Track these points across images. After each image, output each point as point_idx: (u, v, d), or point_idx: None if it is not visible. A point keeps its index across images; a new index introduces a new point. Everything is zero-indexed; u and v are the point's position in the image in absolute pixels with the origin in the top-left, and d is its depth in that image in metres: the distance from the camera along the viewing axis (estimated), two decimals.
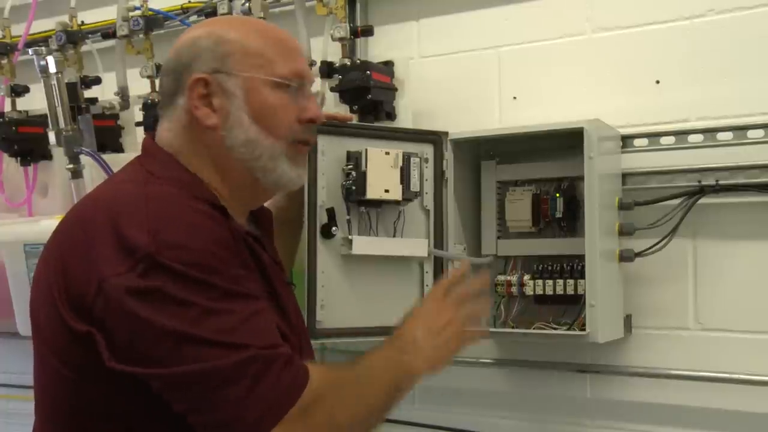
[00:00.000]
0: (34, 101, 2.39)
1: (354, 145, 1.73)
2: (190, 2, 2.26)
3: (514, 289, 1.84)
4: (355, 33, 2.02)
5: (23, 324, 2.16)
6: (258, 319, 1.14)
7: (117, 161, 2.08)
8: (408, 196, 1.77)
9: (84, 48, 2.39)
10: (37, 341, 1.24)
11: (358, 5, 2.10)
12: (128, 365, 1.10)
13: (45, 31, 2.45)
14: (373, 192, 1.71)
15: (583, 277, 1.71)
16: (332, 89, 1.99)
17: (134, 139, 2.39)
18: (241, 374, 1.08)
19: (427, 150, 1.83)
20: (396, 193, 1.74)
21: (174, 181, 1.23)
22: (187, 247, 1.11)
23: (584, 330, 1.67)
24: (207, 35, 1.28)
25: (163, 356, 1.08)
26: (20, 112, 2.42)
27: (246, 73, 1.26)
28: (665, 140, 1.80)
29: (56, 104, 2.13)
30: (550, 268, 1.81)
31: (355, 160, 1.72)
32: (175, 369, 1.08)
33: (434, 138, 1.84)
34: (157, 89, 2.22)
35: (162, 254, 1.09)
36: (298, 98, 1.30)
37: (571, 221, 1.81)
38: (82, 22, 2.40)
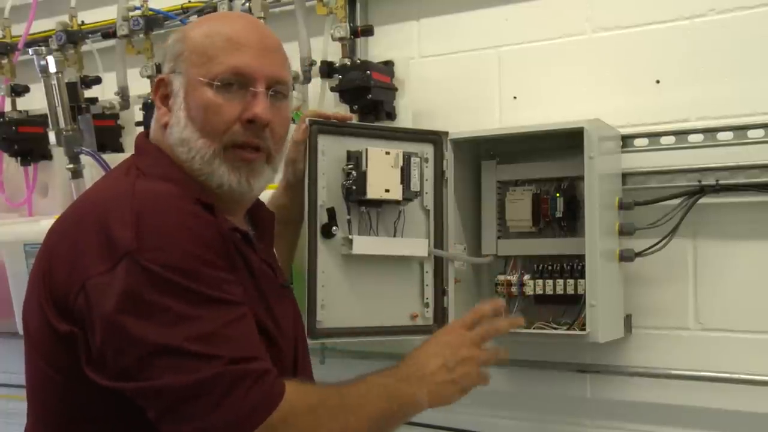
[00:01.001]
0: (34, 101, 2.39)
1: (354, 144, 1.73)
2: (190, 2, 2.26)
3: (514, 289, 1.84)
4: (355, 33, 2.02)
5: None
6: (237, 326, 1.11)
7: (117, 161, 2.05)
8: (408, 195, 1.77)
9: (84, 48, 2.39)
10: (27, 343, 1.24)
11: (358, 5, 2.10)
12: (99, 374, 1.09)
13: (45, 31, 2.45)
14: (373, 192, 1.71)
15: (583, 277, 1.71)
16: (332, 89, 1.99)
17: (134, 139, 2.39)
18: (208, 389, 1.06)
19: (428, 150, 1.83)
20: (396, 193, 1.74)
21: (162, 178, 1.22)
22: (169, 249, 1.09)
23: (584, 330, 1.67)
24: (174, 34, 1.31)
25: (133, 367, 1.07)
26: (20, 111, 2.43)
27: (187, 71, 1.27)
28: (665, 140, 1.80)
29: (56, 104, 2.13)
30: (550, 267, 1.81)
31: (355, 159, 1.72)
32: (143, 383, 1.07)
33: (434, 138, 1.84)
34: None
35: (143, 255, 1.08)
36: (243, 97, 1.26)
37: (571, 221, 1.81)
38: (82, 21, 2.40)
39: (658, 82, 1.82)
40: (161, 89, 1.30)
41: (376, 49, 2.12)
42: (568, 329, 1.76)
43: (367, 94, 1.91)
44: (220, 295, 1.11)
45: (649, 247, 1.76)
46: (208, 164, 1.25)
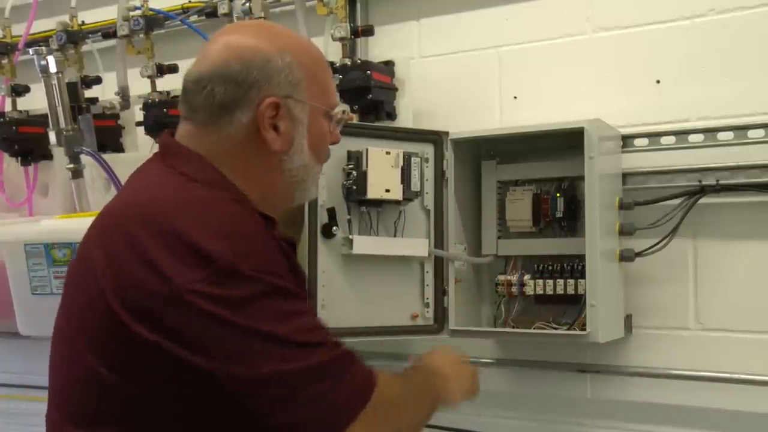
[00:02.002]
0: (35, 101, 2.39)
1: (354, 144, 1.73)
2: (190, 2, 2.26)
3: (514, 289, 1.84)
4: (356, 33, 2.02)
5: (23, 324, 2.16)
6: (318, 320, 1.20)
7: (117, 161, 2.08)
8: (408, 195, 1.77)
9: (84, 48, 2.39)
10: (73, 338, 1.21)
11: (358, 5, 2.10)
12: (209, 365, 1.12)
13: (45, 31, 2.45)
14: (373, 192, 1.71)
15: (583, 276, 1.71)
16: None
17: (134, 139, 2.39)
18: (326, 372, 1.13)
19: (428, 150, 1.83)
20: (396, 193, 1.74)
21: (217, 185, 1.23)
22: (258, 255, 1.15)
23: (584, 330, 1.67)
24: (278, 54, 1.25)
25: (250, 357, 1.11)
26: (21, 111, 2.43)
27: (311, 101, 1.29)
28: (665, 140, 1.80)
29: (57, 104, 2.13)
30: (550, 267, 1.81)
31: (355, 159, 1.72)
32: (263, 369, 1.11)
33: (435, 138, 1.84)
34: (158, 89, 2.22)
35: (241, 264, 1.12)
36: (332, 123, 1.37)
37: (572, 221, 1.81)
38: (83, 21, 2.40)
39: (658, 82, 1.82)
40: (268, 111, 1.24)
41: (376, 49, 2.13)
42: (568, 329, 1.76)
43: (368, 94, 1.91)
44: (300, 292, 1.20)
45: (650, 247, 1.76)
46: (313, 184, 1.36)
